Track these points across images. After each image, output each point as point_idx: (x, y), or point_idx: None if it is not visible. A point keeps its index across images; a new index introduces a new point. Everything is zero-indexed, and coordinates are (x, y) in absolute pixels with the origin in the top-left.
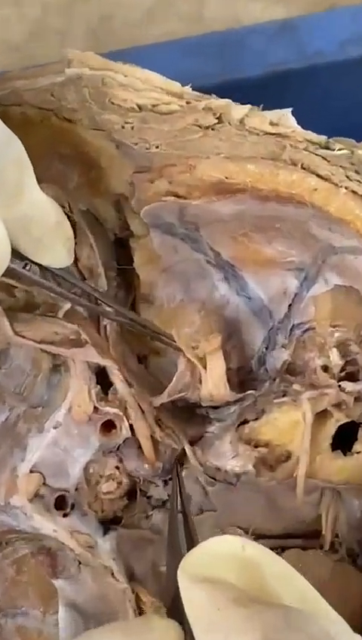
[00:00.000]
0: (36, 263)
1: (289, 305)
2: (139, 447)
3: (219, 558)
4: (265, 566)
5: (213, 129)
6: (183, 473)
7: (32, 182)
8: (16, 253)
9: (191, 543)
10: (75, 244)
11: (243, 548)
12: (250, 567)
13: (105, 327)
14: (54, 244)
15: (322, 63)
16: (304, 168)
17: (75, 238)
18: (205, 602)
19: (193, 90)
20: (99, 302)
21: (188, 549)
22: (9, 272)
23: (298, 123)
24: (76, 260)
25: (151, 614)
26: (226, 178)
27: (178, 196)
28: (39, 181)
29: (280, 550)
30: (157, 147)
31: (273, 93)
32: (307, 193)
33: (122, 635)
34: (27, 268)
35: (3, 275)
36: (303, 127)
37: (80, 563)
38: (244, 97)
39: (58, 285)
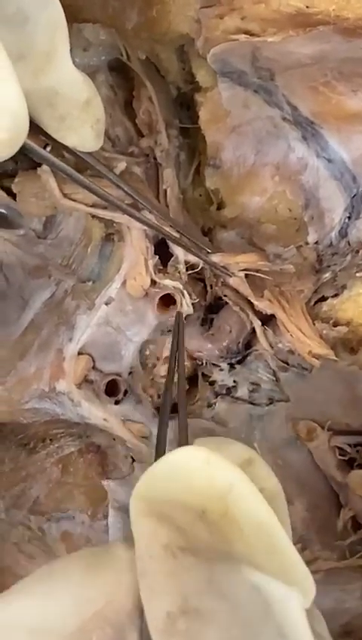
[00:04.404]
0: (60, 144)
1: None
2: (202, 324)
3: (181, 474)
4: (230, 483)
5: None
6: (251, 357)
7: (64, 52)
8: (38, 130)
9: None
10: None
11: (207, 462)
12: (213, 485)
13: (165, 191)
14: (82, 124)
15: None
16: None
17: (134, 90)
18: (143, 545)
19: None
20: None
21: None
22: (28, 151)
23: None
24: (133, 116)
25: (118, 543)
26: (307, 7)
27: (251, 34)
28: (94, 21)
29: (360, 448)
30: None
31: None
32: None
33: (84, 566)
34: (47, 149)
35: (22, 153)
36: None
37: (133, 460)
38: None
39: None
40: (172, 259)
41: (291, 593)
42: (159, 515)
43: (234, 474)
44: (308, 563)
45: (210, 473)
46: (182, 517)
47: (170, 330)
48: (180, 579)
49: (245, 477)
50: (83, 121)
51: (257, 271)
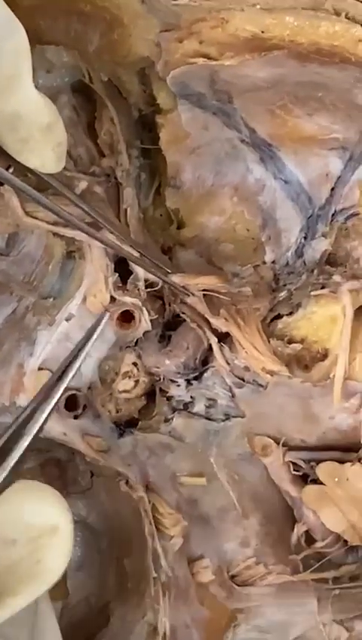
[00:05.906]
0: (22, 166)
1: (332, 189)
2: (160, 341)
3: None
4: None
5: None
6: (208, 373)
7: (27, 77)
8: (1, 152)
9: None
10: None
11: None
12: None
13: (125, 211)
14: (43, 147)
15: None
16: (348, 18)
17: (96, 112)
18: None
19: None
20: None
21: None
22: None
23: None
24: (95, 137)
25: None
26: (262, 32)
27: (209, 58)
28: (57, 44)
29: (314, 463)
30: None
31: None
32: (351, 45)
33: None
34: (10, 170)
35: None
36: None
37: (92, 475)
38: None
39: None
40: (131, 276)
41: None
42: None
43: None
44: (262, 576)
45: None
46: None
47: (128, 346)
48: None
49: None
50: (45, 144)
51: (215, 291)
